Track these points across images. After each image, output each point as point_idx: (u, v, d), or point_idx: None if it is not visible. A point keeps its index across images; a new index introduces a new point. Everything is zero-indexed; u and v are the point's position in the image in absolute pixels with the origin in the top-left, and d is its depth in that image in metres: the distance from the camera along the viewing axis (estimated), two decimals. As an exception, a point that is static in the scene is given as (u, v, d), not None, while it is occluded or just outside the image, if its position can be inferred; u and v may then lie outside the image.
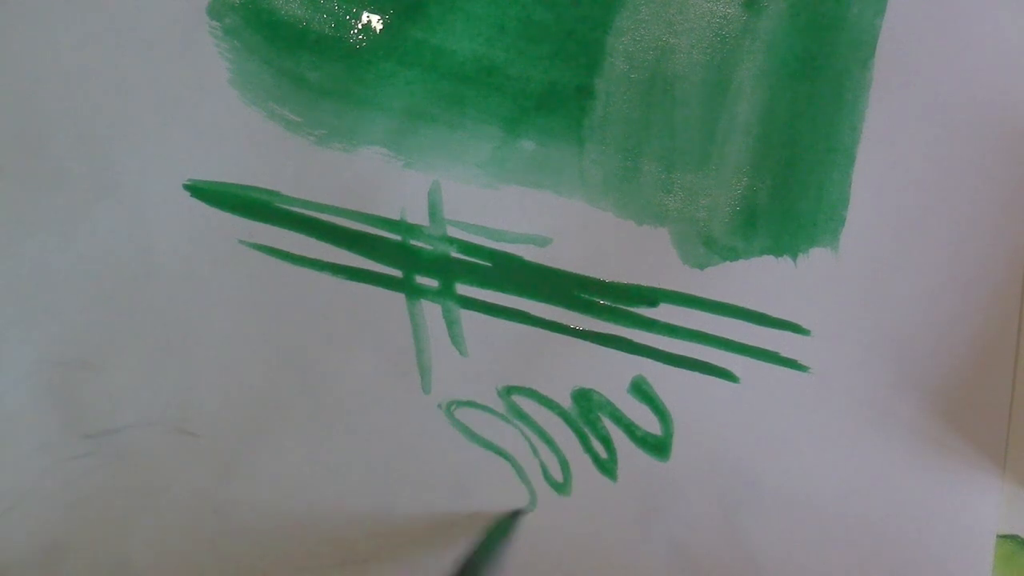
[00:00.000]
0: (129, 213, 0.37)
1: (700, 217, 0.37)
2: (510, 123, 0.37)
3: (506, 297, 0.37)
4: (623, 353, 0.37)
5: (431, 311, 0.37)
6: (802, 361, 0.37)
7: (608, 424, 0.37)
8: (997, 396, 0.37)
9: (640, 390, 0.37)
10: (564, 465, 0.37)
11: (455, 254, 0.37)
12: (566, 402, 0.37)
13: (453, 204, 0.37)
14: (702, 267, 0.37)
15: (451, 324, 0.37)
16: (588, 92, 0.37)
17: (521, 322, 0.37)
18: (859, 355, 0.37)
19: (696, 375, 0.37)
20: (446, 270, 0.37)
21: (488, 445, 0.37)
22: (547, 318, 0.37)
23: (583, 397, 0.37)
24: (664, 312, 0.37)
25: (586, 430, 0.37)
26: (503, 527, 0.36)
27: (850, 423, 0.37)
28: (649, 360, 0.37)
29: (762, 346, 0.37)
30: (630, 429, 0.37)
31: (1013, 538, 0.37)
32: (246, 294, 0.37)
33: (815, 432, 0.37)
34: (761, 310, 0.37)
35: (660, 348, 0.37)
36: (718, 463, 0.37)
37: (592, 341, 0.37)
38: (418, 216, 0.37)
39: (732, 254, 0.37)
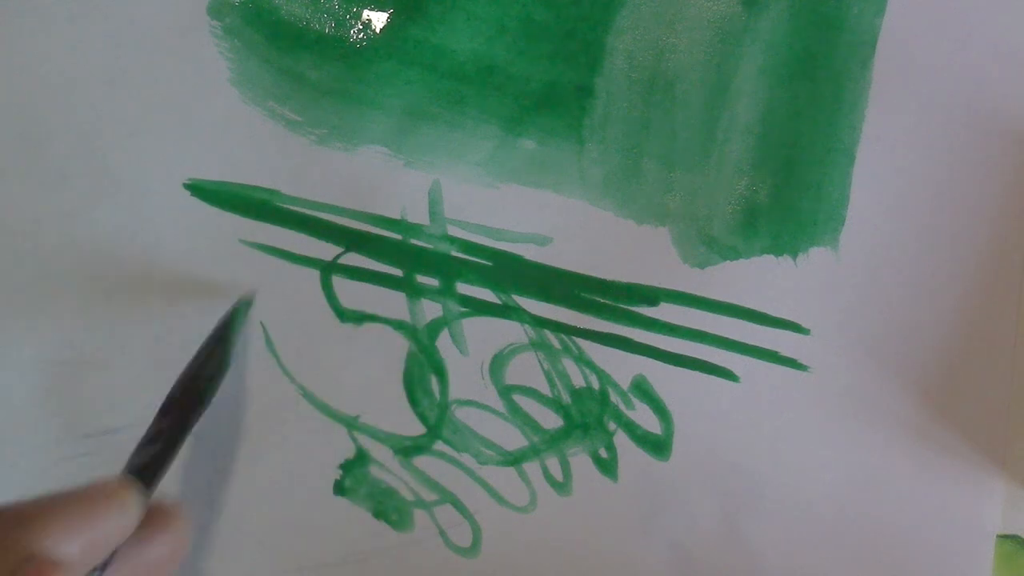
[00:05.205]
0: (129, 213, 0.37)
1: (700, 216, 0.37)
2: (510, 122, 0.37)
3: (507, 296, 0.37)
4: (624, 352, 0.37)
5: (432, 310, 0.37)
6: (802, 360, 0.37)
7: (609, 423, 0.37)
8: (997, 396, 0.37)
9: (641, 389, 0.37)
10: (564, 465, 0.37)
11: (456, 253, 0.37)
12: (566, 401, 0.37)
13: (453, 203, 0.37)
14: (702, 266, 0.37)
15: (452, 323, 0.37)
16: (588, 91, 0.37)
17: (521, 321, 0.37)
18: (859, 354, 0.37)
19: (696, 374, 0.37)
20: (447, 269, 0.37)
21: (489, 444, 0.37)
22: (547, 317, 0.37)
23: (584, 396, 0.37)
24: (664, 311, 0.37)
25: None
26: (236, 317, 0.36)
27: (850, 422, 0.37)
28: (650, 359, 0.37)
29: (762, 345, 0.37)
30: (630, 428, 0.37)
31: (1013, 538, 0.37)
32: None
33: (815, 431, 0.37)
34: (761, 309, 0.37)
35: (660, 347, 0.37)
36: (718, 462, 0.37)
37: (593, 340, 0.37)
38: (418, 215, 0.37)
39: (732, 253, 0.37)
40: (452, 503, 0.37)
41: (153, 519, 0.29)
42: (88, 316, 0.37)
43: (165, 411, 0.33)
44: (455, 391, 0.37)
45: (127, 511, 0.28)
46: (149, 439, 0.32)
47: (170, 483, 0.38)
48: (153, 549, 0.29)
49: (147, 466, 0.31)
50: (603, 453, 0.37)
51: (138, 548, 0.29)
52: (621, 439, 0.37)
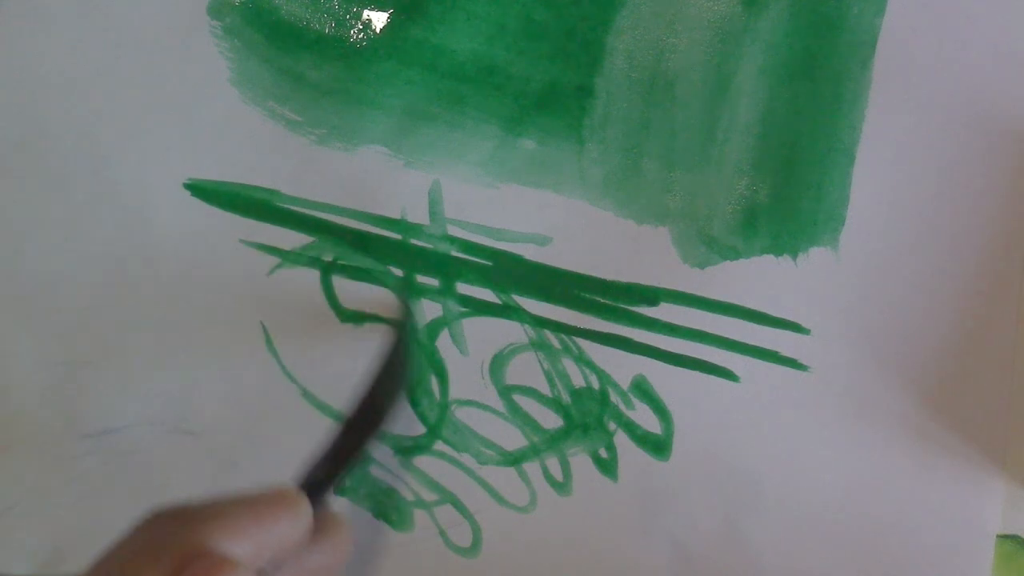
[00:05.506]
0: (129, 213, 0.37)
1: (700, 216, 0.37)
2: (510, 122, 0.37)
3: (507, 296, 0.37)
4: (624, 352, 0.37)
5: (432, 310, 0.37)
6: (802, 360, 0.37)
7: (609, 423, 0.37)
8: (997, 396, 0.37)
9: (641, 389, 0.37)
10: (564, 465, 0.37)
11: (456, 253, 0.37)
12: (566, 401, 0.37)
13: (454, 203, 0.37)
14: (702, 266, 0.37)
15: (452, 323, 0.37)
16: (588, 91, 0.37)
17: (521, 321, 0.37)
18: (859, 354, 0.37)
19: (696, 374, 0.37)
20: (447, 269, 0.37)
21: (489, 444, 0.37)
22: (547, 317, 0.37)
23: (584, 396, 0.37)
24: (664, 311, 0.37)
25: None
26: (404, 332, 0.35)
27: (850, 422, 0.37)
28: (650, 359, 0.37)
29: (762, 345, 0.37)
30: (630, 428, 0.37)
31: (1013, 538, 0.37)
32: (246, 294, 0.37)
33: (815, 431, 0.37)
34: (761, 309, 0.37)
35: (661, 347, 0.37)
36: (718, 463, 0.37)
37: (593, 340, 0.37)
38: (419, 215, 0.37)
39: (732, 253, 0.37)
40: (452, 503, 0.37)
41: (319, 528, 0.29)
42: (88, 316, 0.37)
43: (346, 430, 0.32)
44: (455, 391, 0.37)
45: (298, 519, 0.28)
46: (326, 455, 0.31)
47: (171, 484, 0.38)
48: (317, 557, 0.29)
49: (321, 481, 0.31)
50: (603, 453, 0.37)
51: (304, 555, 0.29)
52: (621, 439, 0.37)
